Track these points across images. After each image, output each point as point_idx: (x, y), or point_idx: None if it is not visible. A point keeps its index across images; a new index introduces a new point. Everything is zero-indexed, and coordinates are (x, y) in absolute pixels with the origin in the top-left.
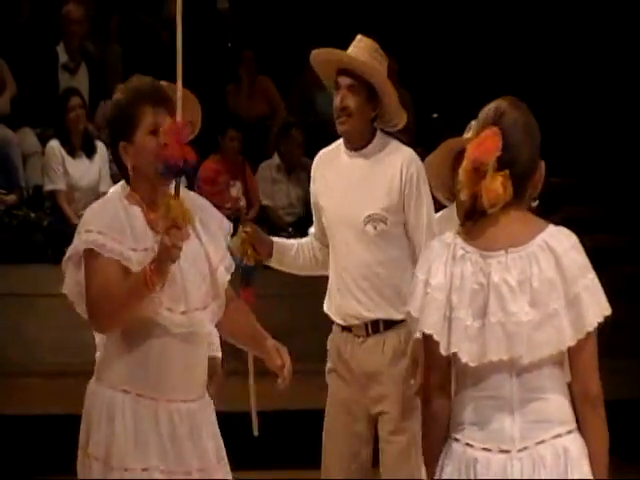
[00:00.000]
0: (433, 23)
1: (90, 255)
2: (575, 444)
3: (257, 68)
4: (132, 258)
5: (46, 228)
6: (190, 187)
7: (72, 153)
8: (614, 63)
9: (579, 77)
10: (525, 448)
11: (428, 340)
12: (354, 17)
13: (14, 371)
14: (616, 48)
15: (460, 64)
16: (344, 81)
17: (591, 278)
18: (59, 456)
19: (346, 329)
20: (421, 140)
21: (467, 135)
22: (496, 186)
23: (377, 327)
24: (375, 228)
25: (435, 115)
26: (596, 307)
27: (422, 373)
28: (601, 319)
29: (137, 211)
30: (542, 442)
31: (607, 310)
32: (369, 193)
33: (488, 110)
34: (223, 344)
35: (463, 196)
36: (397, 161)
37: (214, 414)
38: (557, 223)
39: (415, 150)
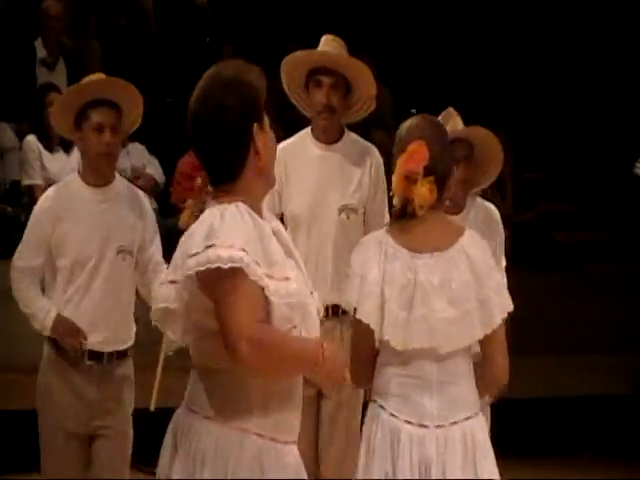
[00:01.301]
0: (410, 19)
1: (235, 276)
2: (480, 426)
3: None
4: (270, 287)
5: (24, 223)
6: (168, 183)
7: (50, 148)
8: (587, 60)
9: (552, 73)
10: (441, 426)
11: (362, 325)
12: (332, 13)
13: None
14: (588, 45)
15: (438, 60)
16: (327, 79)
17: (497, 279)
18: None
19: None
20: None
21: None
22: (425, 191)
23: (337, 311)
24: (348, 217)
25: (414, 110)
26: (502, 306)
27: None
28: (505, 315)
29: (268, 228)
30: (455, 423)
31: (510, 307)
32: (343, 185)
33: (410, 127)
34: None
35: (396, 201)
36: (366, 157)
37: None
38: (532, 219)
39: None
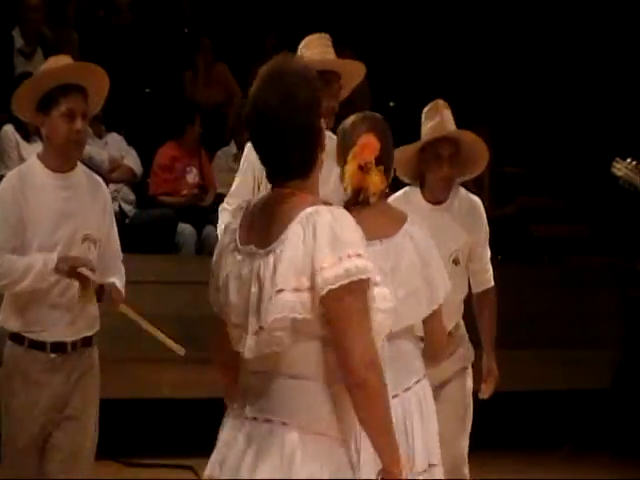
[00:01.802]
0: (390, 11)
1: (363, 289)
2: (428, 388)
3: (214, 55)
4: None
5: None
6: (146, 174)
7: (27, 138)
8: (568, 55)
9: (532, 67)
10: (397, 395)
11: None
12: (310, 5)
13: None
14: (568, 41)
15: (417, 53)
16: (337, 85)
17: (437, 257)
18: None
19: None
20: None
21: (429, 125)
22: (377, 179)
23: None
24: None
25: (392, 104)
26: (443, 283)
27: None
28: (446, 292)
29: None
30: (408, 389)
31: (449, 285)
32: (327, 186)
33: (355, 122)
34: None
35: (349, 191)
36: None
37: None
38: (511, 213)
39: None
